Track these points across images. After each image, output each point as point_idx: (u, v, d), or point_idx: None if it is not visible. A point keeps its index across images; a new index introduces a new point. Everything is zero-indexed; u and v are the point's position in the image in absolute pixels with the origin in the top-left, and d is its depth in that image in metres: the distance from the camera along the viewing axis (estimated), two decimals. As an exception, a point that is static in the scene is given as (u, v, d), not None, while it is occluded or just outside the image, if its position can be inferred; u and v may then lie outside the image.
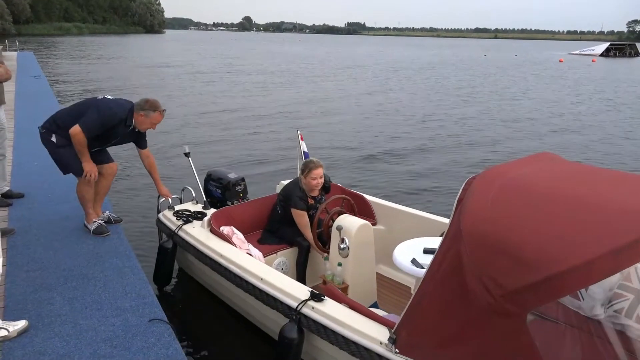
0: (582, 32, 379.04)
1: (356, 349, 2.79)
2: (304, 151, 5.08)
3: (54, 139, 4.27)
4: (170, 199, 4.65)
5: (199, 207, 4.58)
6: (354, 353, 2.79)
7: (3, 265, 2.97)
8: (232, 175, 4.99)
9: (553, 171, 2.49)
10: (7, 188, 5.40)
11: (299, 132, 5.21)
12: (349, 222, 3.81)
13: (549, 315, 2.56)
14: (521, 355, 2.12)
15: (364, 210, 4.62)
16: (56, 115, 4.37)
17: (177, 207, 4.58)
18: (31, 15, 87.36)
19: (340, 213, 4.11)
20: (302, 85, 22.19)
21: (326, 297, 3.11)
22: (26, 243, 4.33)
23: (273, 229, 4.41)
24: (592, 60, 52.01)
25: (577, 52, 70.66)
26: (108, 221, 4.72)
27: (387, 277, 4.51)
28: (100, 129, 4.22)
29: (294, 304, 3.13)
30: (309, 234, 4.19)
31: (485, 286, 2.08)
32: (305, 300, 3.10)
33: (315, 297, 3.10)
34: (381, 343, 2.69)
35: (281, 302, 3.22)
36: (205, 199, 4.69)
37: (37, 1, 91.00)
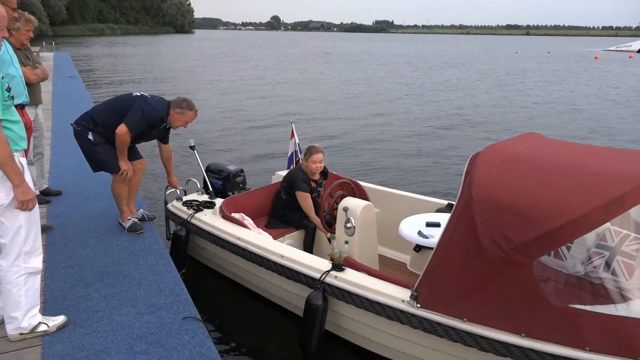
0: (617, 28, 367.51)
1: (381, 308, 3.04)
2: (297, 143, 5.36)
3: (90, 137, 4.32)
4: (178, 190, 4.83)
5: (204, 198, 4.72)
6: (379, 312, 3.05)
7: (43, 262, 3.04)
8: (231, 167, 5.18)
9: (544, 146, 2.97)
10: (46, 185, 5.55)
11: (292, 125, 5.43)
12: (354, 203, 4.04)
13: (540, 276, 2.87)
14: (530, 298, 2.51)
15: (359, 194, 4.81)
16: (92, 112, 4.40)
17: (184, 198, 4.73)
18: (67, 17, 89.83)
19: (343, 196, 4.39)
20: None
21: (346, 267, 3.36)
22: (64, 240, 4.44)
23: (278, 215, 4.66)
24: (630, 57, 50.30)
25: (614, 48, 68.46)
26: (142, 219, 4.79)
27: (384, 255, 4.78)
28: (143, 128, 4.31)
29: (317, 275, 3.36)
30: (313, 215, 4.47)
31: (496, 242, 2.46)
32: (328, 271, 3.35)
33: (336, 267, 3.35)
34: (403, 301, 2.96)
35: (304, 275, 3.45)
36: (211, 189, 4.84)
37: (72, 3, 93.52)
